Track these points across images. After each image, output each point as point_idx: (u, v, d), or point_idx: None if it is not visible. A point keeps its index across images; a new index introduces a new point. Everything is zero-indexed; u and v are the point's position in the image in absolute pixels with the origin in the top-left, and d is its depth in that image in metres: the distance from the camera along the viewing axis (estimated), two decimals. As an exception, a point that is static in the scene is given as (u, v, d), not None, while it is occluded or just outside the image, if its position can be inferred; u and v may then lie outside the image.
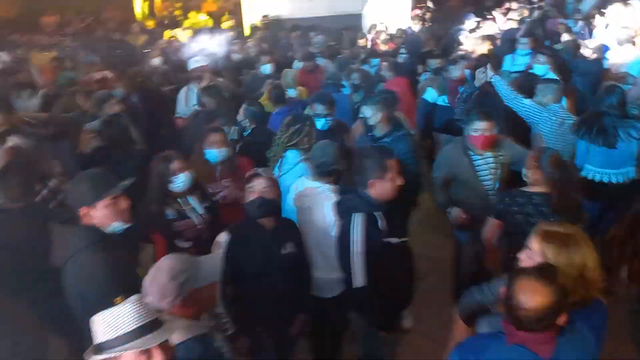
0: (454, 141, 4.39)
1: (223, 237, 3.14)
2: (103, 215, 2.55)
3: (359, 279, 2.93)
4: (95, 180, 2.57)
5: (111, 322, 1.74)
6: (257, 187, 3.06)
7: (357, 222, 2.94)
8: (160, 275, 2.16)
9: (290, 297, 3.17)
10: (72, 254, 2.52)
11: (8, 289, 3.10)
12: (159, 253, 3.40)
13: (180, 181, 3.50)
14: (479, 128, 4.01)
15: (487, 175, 4.12)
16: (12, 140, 4.58)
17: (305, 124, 4.03)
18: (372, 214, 2.98)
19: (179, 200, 3.54)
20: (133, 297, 1.80)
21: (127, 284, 2.47)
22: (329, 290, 3.50)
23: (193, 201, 3.60)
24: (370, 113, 4.26)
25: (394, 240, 3.04)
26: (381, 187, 3.01)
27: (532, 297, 1.99)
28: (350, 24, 10.61)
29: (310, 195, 3.51)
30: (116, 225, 2.59)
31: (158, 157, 3.56)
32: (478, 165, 4.11)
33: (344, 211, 3.09)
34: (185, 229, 3.52)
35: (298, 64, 7.62)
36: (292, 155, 3.98)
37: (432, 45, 8.85)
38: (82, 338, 2.50)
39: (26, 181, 3.42)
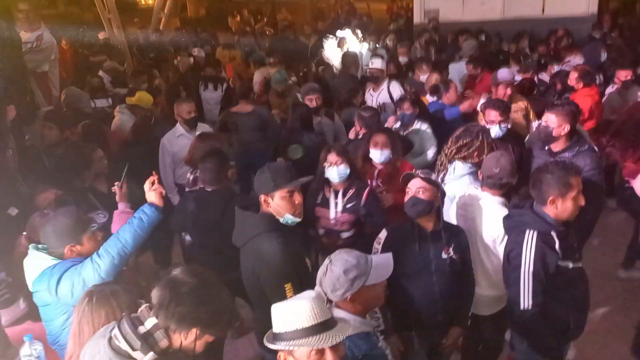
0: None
1: (383, 234, 3.19)
2: (278, 205, 2.71)
3: (527, 301, 2.76)
4: (276, 172, 2.74)
5: (290, 315, 1.78)
6: (412, 186, 3.06)
7: (531, 240, 2.77)
8: (334, 268, 2.23)
9: (447, 305, 3.08)
10: (250, 237, 2.72)
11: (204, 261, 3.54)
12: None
13: (331, 173, 3.67)
14: None
15: None
16: (201, 127, 5.14)
17: (477, 138, 3.82)
18: (548, 233, 2.79)
19: (331, 189, 3.75)
20: (313, 293, 1.85)
21: (297, 272, 2.65)
22: (485, 308, 3.38)
23: (340, 196, 3.73)
24: (555, 124, 3.93)
25: (569, 264, 2.81)
26: (561, 206, 2.80)
27: None
28: (525, 28, 9.98)
29: (476, 206, 3.39)
30: (288, 217, 2.73)
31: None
32: None
33: (515, 227, 2.93)
34: (319, 215, 3.72)
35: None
36: (458, 167, 3.81)
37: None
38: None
39: (221, 166, 3.78)
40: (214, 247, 3.62)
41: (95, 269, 2.61)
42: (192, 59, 8.78)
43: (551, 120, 3.91)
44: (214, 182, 3.74)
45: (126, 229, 2.76)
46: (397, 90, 6.28)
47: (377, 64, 6.47)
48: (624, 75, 6.11)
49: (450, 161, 3.87)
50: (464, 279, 3.18)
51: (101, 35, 10.44)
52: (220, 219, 3.55)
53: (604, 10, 11.95)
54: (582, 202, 2.82)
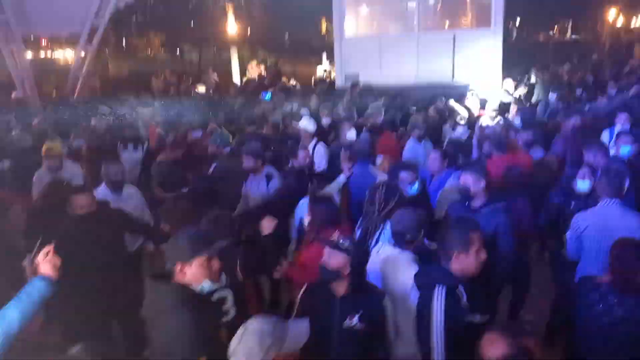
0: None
1: (304, 287, 3.16)
2: (196, 273, 2.66)
3: (439, 357, 2.81)
4: (194, 239, 2.70)
5: None
6: (324, 252, 3.02)
7: (441, 296, 2.85)
8: (249, 337, 2.19)
9: None
10: (161, 310, 2.62)
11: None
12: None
13: None
14: None
15: None
16: (127, 188, 5.14)
17: (392, 198, 3.95)
18: (456, 288, 2.88)
19: None
20: None
21: (211, 345, 2.56)
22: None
23: None
24: (472, 181, 4.13)
25: (476, 318, 2.90)
26: (465, 261, 2.91)
27: (489, 348, 2.24)
28: (439, 93, 10.71)
29: (388, 261, 3.45)
30: (206, 285, 2.68)
31: None
32: None
33: (425, 283, 3.01)
34: None
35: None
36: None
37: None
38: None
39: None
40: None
41: None
42: (110, 119, 8.63)
43: (467, 179, 4.15)
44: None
45: (12, 306, 2.55)
46: (322, 151, 6.54)
47: (308, 126, 6.76)
48: (525, 135, 6.65)
49: (383, 221, 3.93)
50: (374, 348, 3.07)
51: (13, 95, 10.04)
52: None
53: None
54: (484, 256, 2.94)
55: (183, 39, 24.92)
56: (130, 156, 7.35)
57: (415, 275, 3.11)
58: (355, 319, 2.95)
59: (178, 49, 27.84)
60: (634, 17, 31.97)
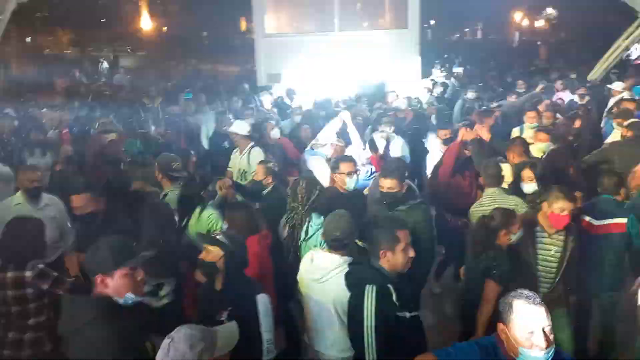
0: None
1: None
2: (119, 284, 2.50)
3: (372, 355, 2.82)
4: (116, 249, 2.54)
5: None
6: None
7: (371, 295, 2.85)
8: (178, 345, 2.11)
9: None
10: (81, 324, 2.45)
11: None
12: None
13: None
14: (564, 208, 3.78)
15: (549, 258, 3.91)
16: (46, 198, 4.75)
17: (313, 192, 4.03)
18: (385, 286, 2.89)
19: None
20: None
21: (134, 357, 2.44)
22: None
23: None
24: (396, 184, 4.15)
25: (406, 314, 2.93)
26: (392, 258, 2.95)
27: None
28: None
29: (326, 269, 3.36)
30: (129, 297, 2.53)
31: None
32: (542, 244, 3.94)
33: (354, 283, 3.01)
34: None
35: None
36: (317, 219, 3.98)
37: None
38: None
39: None
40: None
41: None
42: (15, 122, 8.01)
43: (389, 183, 4.16)
44: None
45: None
46: (260, 156, 6.03)
47: (237, 126, 6.47)
48: (443, 134, 6.91)
49: (308, 214, 3.97)
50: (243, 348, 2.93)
51: None
52: None
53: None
54: (412, 253, 2.99)
55: (94, 37, 23.64)
56: (38, 162, 6.84)
57: (346, 274, 3.11)
58: (224, 315, 2.99)
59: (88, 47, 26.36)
60: (537, 20, 34.25)
